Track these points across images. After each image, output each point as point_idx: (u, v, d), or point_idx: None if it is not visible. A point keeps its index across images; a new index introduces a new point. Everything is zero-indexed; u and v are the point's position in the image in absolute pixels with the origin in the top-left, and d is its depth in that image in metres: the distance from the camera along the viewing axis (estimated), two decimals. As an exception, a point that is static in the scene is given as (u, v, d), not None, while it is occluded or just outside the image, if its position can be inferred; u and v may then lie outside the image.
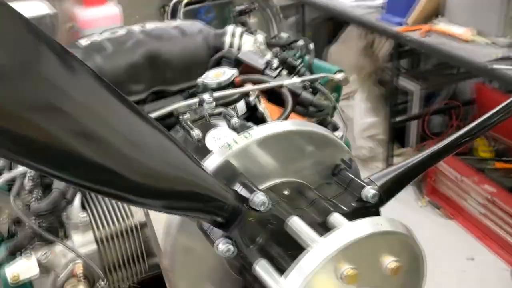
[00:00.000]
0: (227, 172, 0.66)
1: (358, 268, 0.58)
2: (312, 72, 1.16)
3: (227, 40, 1.16)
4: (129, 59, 1.06)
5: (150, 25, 1.14)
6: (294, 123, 0.75)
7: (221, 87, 1.02)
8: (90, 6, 1.40)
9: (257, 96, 1.04)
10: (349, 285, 0.57)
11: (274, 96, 1.08)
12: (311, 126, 0.75)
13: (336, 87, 1.19)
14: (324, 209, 0.70)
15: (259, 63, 1.07)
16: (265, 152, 0.71)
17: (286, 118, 1.01)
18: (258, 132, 0.70)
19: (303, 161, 0.75)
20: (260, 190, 0.63)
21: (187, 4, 1.51)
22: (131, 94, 1.07)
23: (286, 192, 0.74)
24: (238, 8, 1.61)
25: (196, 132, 0.85)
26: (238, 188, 0.63)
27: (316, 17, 4.05)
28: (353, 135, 3.57)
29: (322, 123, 1.11)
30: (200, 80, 1.02)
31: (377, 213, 0.76)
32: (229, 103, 1.00)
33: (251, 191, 0.62)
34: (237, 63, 1.10)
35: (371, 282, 0.60)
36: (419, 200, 3.10)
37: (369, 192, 0.72)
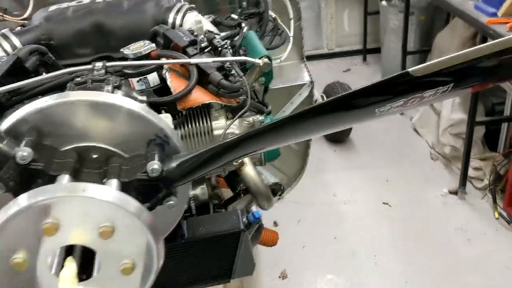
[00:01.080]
0: (22, 125, 0.78)
1: (62, 223, 0.67)
2: (245, 54, 1.20)
3: (171, 16, 1.25)
4: (77, 25, 1.21)
5: (112, -3, 1.28)
6: (104, 96, 0.83)
7: (136, 58, 1.12)
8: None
9: (168, 70, 1.12)
10: (50, 236, 0.67)
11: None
12: (120, 101, 0.83)
13: (268, 72, 1.20)
14: (105, 175, 0.78)
15: (183, 41, 1.14)
16: (76, 116, 0.81)
17: (188, 92, 1.09)
18: (63, 96, 0.80)
19: (116, 131, 0.83)
20: (29, 147, 0.73)
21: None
22: (78, 57, 1.23)
23: (94, 155, 0.83)
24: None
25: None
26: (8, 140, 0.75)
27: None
28: (438, 130, 3.33)
29: (242, 104, 1.15)
30: (121, 49, 1.14)
31: (167, 188, 0.81)
32: (140, 73, 1.11)
33: (17, 145, 0.74)
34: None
35: (82, 241, 0.68)
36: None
37: (151, 165, 0.78)
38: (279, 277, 2.69)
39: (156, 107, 1.09)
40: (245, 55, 1.23)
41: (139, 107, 0.84)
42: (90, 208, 0.68)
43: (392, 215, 3.06)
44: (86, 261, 0.72)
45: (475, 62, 0.80)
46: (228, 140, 0.82)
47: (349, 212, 3.14)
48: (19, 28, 1.23)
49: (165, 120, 0.89)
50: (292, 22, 1.78)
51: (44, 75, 1.02)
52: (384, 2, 4.13)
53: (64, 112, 0.81)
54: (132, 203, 0.71)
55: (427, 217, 2.99)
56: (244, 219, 1.08)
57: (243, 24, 1.30)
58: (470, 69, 0.81)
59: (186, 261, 1.09)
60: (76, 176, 0.76)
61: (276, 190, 1.34)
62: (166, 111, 1.11)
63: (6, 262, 0.67)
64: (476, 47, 0.79)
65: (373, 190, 3.27)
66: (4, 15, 1.55)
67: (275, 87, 1.75)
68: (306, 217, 3.09)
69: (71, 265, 0.68)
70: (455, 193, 3.10)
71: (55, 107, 0.81)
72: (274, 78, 1.64)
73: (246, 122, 1.16)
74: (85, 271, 0.72)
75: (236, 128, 1.16)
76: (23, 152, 0.73)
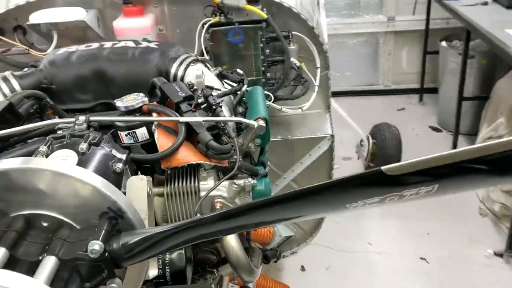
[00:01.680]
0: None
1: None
2: (244, 112, 1.14)
3: (174, 67, 1.21)
4: (79, 71, 1.21)
5: (118, 44, 1.27)
6: (56, 165, 0.79)
7: (127, 111, 1.09)
8: (128, 16, 1.59)
9: (157, 126, 1.07)
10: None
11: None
12: (72, 171, 0.79)
13: (264, 134, 1.13)
14: (45, 249, 0.74)
15: (177, 96, 1.10)
16: (28, 183, 0.78)
17: (172, 152, 1.04)
18: (11, 162, 0.77)
19: (67, 200, 0.79)
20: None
21: (214, 25, 1.57)
22: (78, 102, 1.22)
23: (44, 223, 0.80)
24: (269, 34, 1.60)
25: (43, 149, 0.94)
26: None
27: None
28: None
29: (232, 166, 1.08)
30: (115, 101, 1.11)
31: (109, 270, 0.76)
32: (129, 127, 1.07)
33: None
34: (166, 92, 1.15)
35: None
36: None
37: (92, 245, 0.73)
38: (302, 326, 2.57)
39: (139, 164, 1.05)
40: (244, 113, 1.17)
41: (91, 177, 0.80)
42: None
43: (428, 272, 2.84)
44: None
45: (461, 164, 0.69)
46: (182, 223, 0.75)
47: (382, 264, 2.96)
48: (26, 69, 1.24)
49: (135, 183, 0.84)
50: (318, 71, 1.71)
51: (28, 125, 1.01)
52: (444, 43, 3.95)
53: (17, 178, 0.78)
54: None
55: (467, 279, 2.75)
56: (218, 296, 1.01)
57: (245, 81, 1.24)
58: (456, 171, 0.71)
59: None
60: (14, 249, 0.73)
61: (270, 257, 1.25)
62: (151, 169, 1.07)
63: None
64: (463, 149, 0.70)
65: (411, 242, 3.07)
66: (29, 49, 1.59)
67: (295, 137, 1.68)
68: (336, 264, 2.94)
69: None
70: (500, 255, 2.85)
71: (9, 172, 0.78)
72: (296, 127, 1.57)
73: (235, 186, 1.09)
74: None
75: (224, 191, 1.10)
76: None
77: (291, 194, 0.73)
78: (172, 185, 1.09)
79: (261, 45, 1.60)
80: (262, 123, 1.09)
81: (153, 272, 0.98)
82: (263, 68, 1.63)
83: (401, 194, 0.73)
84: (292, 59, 1.67)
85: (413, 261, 2.92)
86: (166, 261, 1.06)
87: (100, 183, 0.79)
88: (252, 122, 1.08)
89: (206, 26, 1.56)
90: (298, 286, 2.78)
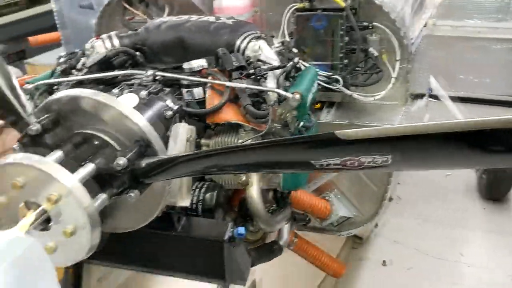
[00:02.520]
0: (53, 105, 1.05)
1: (26, 184, 0.91)
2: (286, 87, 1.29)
3: (238, 41, 1.40)
4: (165, 37, 1.47)
5: (201, 18, 1.50)
6: (111, 100, 1.04)
7: (190, 72, 1.32)
8: (227, -2, 1.81)
9: (210, 88, 1.29)
10: (17, 191, 0.91)
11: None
12: (120, 106, 1.03)
13: (300, 106, 1.27)
14: (88, 159, 1.00)
15: (231, 65, 1.30)
16: (89, 109, 1.05)
17: (215, 109, 1.25)
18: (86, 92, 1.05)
19: (114, 127, 1.05)
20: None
21: (299, 10, 1.71)
22: (161, 63, 1.49)
23: (95, 142, 1.06)
24: (348, 24, 1.70)
25: (115, 91, 1.21)
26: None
27: None
28: None
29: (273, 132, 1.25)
30: (184, 63, 1.35)
31: (130, 182, 0.99)
32: (189, 86, 1.30)
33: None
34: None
35: (37, 199, 0.91)
36: None
37: (118, 160, 0.97)
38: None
39: (191, 117, 1.27)
40: (289, 87, 1.32)
41: (135, 116, 1.04)
42: (47, 180, 0.91)
43: (517, 293, 2.66)
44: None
45: (415, 140, 0.77)
46: (194, 153, 0.96)
47: (469, 276, 2.83)
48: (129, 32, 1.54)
49: (179, 128, 1.07)
50: (397, 63, 1.76)
51: (110, 73, 1.30)
52: None
53: (85, 104, 1.06)
54: (80, 191, 0.91)
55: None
56: (230, 233, 1.19)
57: (295, 60, 1.39)
58: (410, 147, 0.79)
59: (178, 251, 1.26)
60: (67, 154, 1.00)
61: (297, 219, 1.39)
62: (199, 122, 1.29)
63: (-6, 201, 0.95)
64: (421, 124, 0.78)
65: (506, 260, 2.88)
66: (147, 19, 1.91)
67: (361, 124, 1.76)
68: (420, 267, 2.90)
69: (29, 217, 0.92)
70: None
71: (79, 99, 1.06)
72: (366, 114, 1.68)
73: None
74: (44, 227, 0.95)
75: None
76: (34, 127, 0.99)
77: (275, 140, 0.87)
78: (216, 139, 1.30)
79: (341, 32, 1.71)
80: (297, 96, 1.23)
81: (186, 202, 1.19)
82: (340, 55, 1.74)
83: (358, 160, 0.83)
84: (370, 49, 1.75)
85: (503, 278, 2.75)
86: (199, 199, 1.28)
87: (139, 119, 1.03)
88: (288, 94, 1.23)
89: (291, 10, 1.72)
90: (376, 279, 2.82)
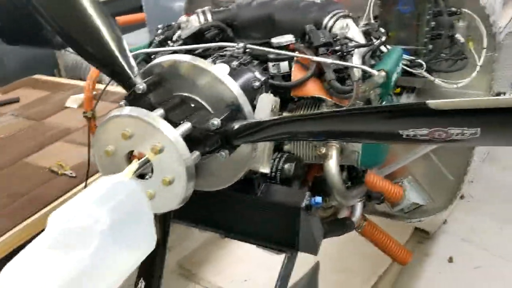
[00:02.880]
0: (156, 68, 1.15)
1: (134, 134, 1.01)
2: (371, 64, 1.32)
3: (326, 19, 1.44)
4: (255, 14, 1.54)
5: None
6: (209, 65, 1.12)
7: (277, 46, 1.38)
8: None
9: (296, 62, 1.34)
10: (125, 140, 1.02)
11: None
12: (216, 71, 1.11)
13: (384, 84, 1.29)
14: (185, 118, 1.09)
15: (317, 41, 1.35)
16: (189, 74, 1.14)
17: (299, 83, 1.30)
18: (187, 58, 1.14)
19: (210, 91, 1.13)
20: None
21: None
22: (251, 38, 1.56)
23: (192, 104, 1.15)
24: (436, 9, 1.68)
25: (209, 60, 1.30)
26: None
27: None
28: None
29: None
30: (273, 38, 1.41)
31: (222, 142, 1.07)
32: (276, 59, 1.37)
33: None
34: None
35: (141, 149, 1.01)
36: None
37: (213, 120, 1.05)
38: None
39: (275, 89, 1.34)
40: (374, 65, 1.35)
41: (229, 81, 1.11)
42: (152, 132, 1.00)
43: None
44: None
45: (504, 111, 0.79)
46: (275, 118, 1.02)
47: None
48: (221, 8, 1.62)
49: (265, 97, 1.14)
50: (483, 51, 1.72)
51: (203, 45, 1.39)
52: None
53: (184, 69, 1.15)
54: (181, 144, 1.00)
55: None
56: (307, 201, 1.25)
57: (382, 39, 1.41)
58: (498, 118, 0.80)
59: (257, 216, 1.33)
60: (167, 112, 1.09)
61: (372, 197, 1.42)
62: (282, 95, 1.35)
63: (103, 149, 1.06)
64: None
65: None
66: (235, -1, 1.99)
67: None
68: (488, 266, 2.81)
69: (134, 164, 1.02)
70: None
71: (179, 63, 1.15)
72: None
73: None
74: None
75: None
76: (140, 86, 1.10)
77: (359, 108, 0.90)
78: (299, 111, 1.35)
79: (427, 17, 1.70)
80: (382, 73, 1.26)
81: (267, 169, 1.26)
82: (425, 40, 1.74)
83: (447, 131, 0.85)
84: (457, 35, 1.73)
85: None
86: (278, 168, 1.34)
87: (232, 85, 1.11)
88: (373, 71, 1.26)
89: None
90: (442, 276, 2.78)
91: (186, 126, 1.07)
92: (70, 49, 4.16)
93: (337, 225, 1.44)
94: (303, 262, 1.49)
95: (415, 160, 1.83)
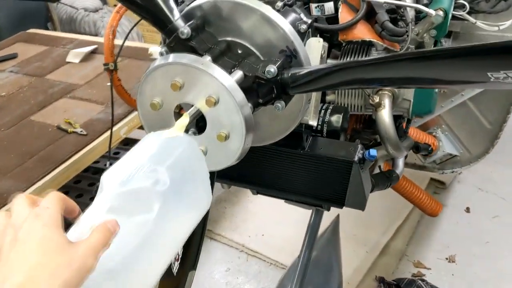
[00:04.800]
0: (196, 11, 1.03)
1: (185, 84, 0.90)
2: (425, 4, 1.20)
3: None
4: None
5: None
6: (260, 5, 1.00)
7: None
8: None
9: (343, 2, 1.22)
10: (174, 91, 0.91)
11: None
12: (268, 11, 0.99)
13: (441, 25, 1.18)
14: (236, 66, 0.98)
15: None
16: (235, 15, 1.02)
17: (349, 25, 1.18)
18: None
19: (260, 36, 1.01)
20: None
21: None
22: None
23: (239, 51, 1.04)
24: None
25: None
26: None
27: None
28: None
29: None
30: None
31: (278, 92, 0.96)
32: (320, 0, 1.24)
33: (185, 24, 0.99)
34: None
35: (194, 102, 0.91)
36: None
37: (269, 68, 0.94)
38: (446, 259, 2.59)
39: (321, 33, 1.22)
40: (427, 4, 1.23)
41: (281, 21, 0.99)
42: (205, 81, 0.89)
43: None
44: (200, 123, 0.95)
45: None
46: (341, 63, 0.91)
47: None
48: None
49: (313, 42, 1.02)
50: (531, -9, 1.61)
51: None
52: None
53: (228, 9, 1.02)
54: (238, 93, 0.90)
55: None
56: (360, 154, 1.16)
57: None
58: None
59: (303, 171, 1.25)
60: (215, 60, 0.98)
61: (421, 148, 1.34)
62: (329, 39, 1.24)
63: (148, 102, 0.95)
64: None
65: None
66: None
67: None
68: (506, 215, 2.80)
69: (185, 118, 0.92)
70: None
71: (222, 3, 1.03)
72: None
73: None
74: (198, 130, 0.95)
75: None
76: (185, 30, 0.98)
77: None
78: (345, 58, 1.24)
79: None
80: (440, 13, 1.14)
81: (315, 122, 1.17)
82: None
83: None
84: (501, -28, 1.61)
85: None
86: (325, 120, 1.25)
87: (286, 25, 0.99)
88: (430, 10, 1.15)
89: None
90: (460, 225, 2.76)
91: (238, 74, 0.96)
92: (64, 1, 3.94)
93: (383, 179, 1.37)
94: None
95: (452, 110, 1.74)
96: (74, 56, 2.92)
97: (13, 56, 2.98)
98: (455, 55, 0.80)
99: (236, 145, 0.92)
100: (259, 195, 1.49)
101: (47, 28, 4.02)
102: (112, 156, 2.85)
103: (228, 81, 0.89)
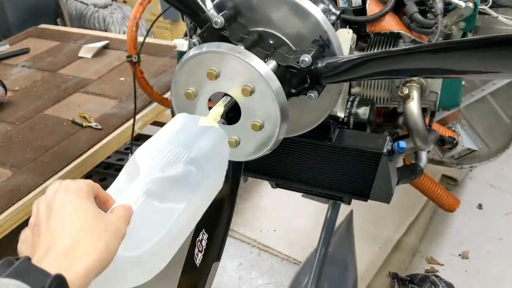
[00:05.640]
0: (228, 2, 1.02)
1: (221, 73, 0.90)
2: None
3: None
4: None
5: None
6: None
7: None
8: None
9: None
10: (210, 80, 0.91)
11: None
12: (303, 2, 0.98)
13: (469, 17, 1.17)
14: (269, 56, 0.98)
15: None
16: (267, 6, 1.01)
17: (378, 17, 1.18)
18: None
19: (292, 26, 1.01)
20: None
21: None
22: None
23: (271, 41, 1.03)
24: None
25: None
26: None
27: None
28: None
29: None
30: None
31: (312, 81, 0.96)
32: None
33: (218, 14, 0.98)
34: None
35: (229, 91, 0.91)
36: None
37: (303, 57, 0.94)
38: (459, 255, 2.58)
39: (348, 24, 1.22)
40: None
41: (315, 10, 0.99)
42: (242, 69, 0.89)
43: None
44: (234, 113, 0.95)
45: None
46: (375, 52, 0.91)
47: None
48: None
49: (343, 33, 1.02)
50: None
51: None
52: None
53: (260, 0, 1.02)
54: (274, 81, 0.90)
55: None
56: (389, 146, 1.16)
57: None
58: None
59: (329, 164, 1.24)
60: (249, 50, 0.98)
61: (446, 141, 1.33)
62: (356, 31, 1.23)
63: (183, 91, 0.95)
64: None
65: None
66: None
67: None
68: (518, 213, 2.80)
69: (219, 107, 0.91)
70: None
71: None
72: None
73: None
74: (231, 119, 0.95)
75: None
76: (218, 19, 0.97)
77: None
78: (373, 50, 1.24)
79: None
80: (470, 4, 1.14)
81: (341, 114, 1.16)
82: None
83: None
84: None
85: None
86: (352, 112, 1.24)
87: (319, 14, 0.99)
88: (460, 2, 1.14)
89: None
90: (472, 222, 2.76)
91: (272, 63, 0.95)
92: (74, -3, 3.93)
93: (407, 172, 1.36)
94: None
95: (472, 104, 1.73)
96: (87, 51, 2.92)
97: (25, 51, 2.98)
98: (492, 44, 0.79)
99: (270, 135, 0.92)
100: (272, 190, 1.49)
101: (56, 24, 4.01)
102: (124, 151, 2.87)
103: (264, 69, 0.89)
